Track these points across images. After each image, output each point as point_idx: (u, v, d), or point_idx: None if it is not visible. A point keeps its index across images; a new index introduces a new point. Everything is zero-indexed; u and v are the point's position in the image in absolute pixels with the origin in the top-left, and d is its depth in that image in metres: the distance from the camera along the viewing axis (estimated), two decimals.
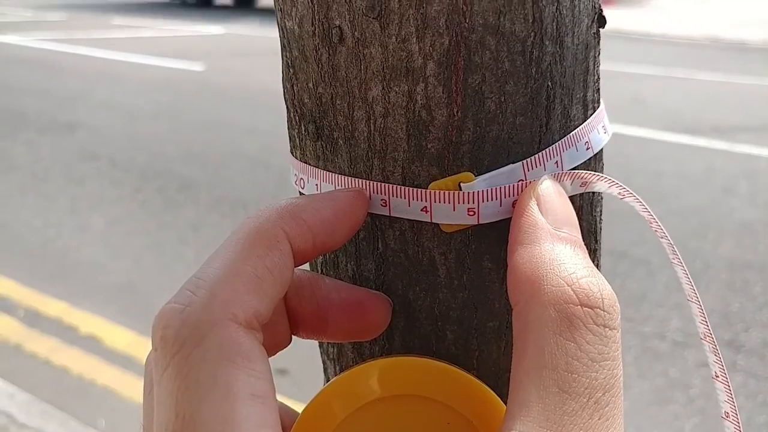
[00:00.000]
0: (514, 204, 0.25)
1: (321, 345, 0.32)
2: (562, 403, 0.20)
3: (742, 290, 2.39)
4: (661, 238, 0.25)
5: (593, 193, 0.29)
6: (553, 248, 0.22)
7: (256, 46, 7.12)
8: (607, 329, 0.21)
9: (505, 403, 0.24)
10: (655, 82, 5.69)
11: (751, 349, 2.08)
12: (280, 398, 0.28)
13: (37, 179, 3.47)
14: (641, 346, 2.08)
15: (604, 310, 0.21)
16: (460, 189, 0.25)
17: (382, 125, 0.25)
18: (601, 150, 0.29)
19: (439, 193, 0.25)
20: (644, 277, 2.46)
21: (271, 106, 4.51)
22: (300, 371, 1.88)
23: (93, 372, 2.04)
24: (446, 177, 0.25)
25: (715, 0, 11.73)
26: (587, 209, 0.29)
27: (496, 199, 0.25)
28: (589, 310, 0.21)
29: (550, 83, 0.25)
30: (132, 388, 1.98)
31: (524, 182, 0.25)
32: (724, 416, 0.24)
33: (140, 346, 2.12)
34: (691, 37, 8.44)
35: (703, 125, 4.38)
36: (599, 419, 0.20)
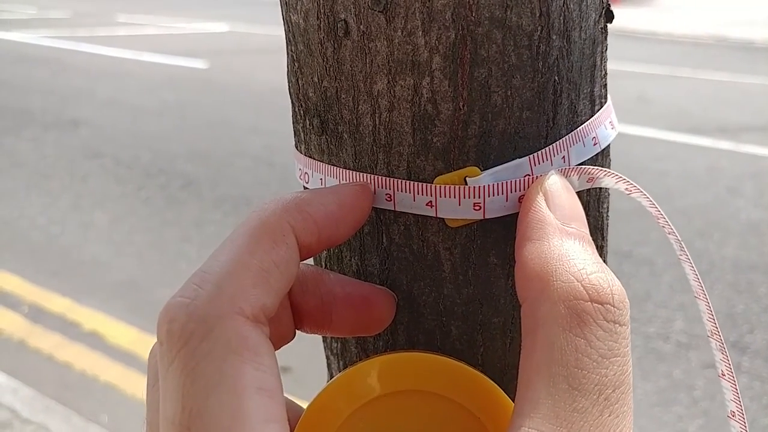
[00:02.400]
0: (520, 199, 0.25)
1: (325, 340, 0.32)
2: (572, 400, 0.20)
3: (748, 291, 2.38)
4: (669, 234, 0.25)
5: (600, 188, 0.29)
6: (561, 244, 0.22)
7: (260, 43, 7.12)
8: (617, 325, 0.21)
9: (513, 400, 0.24)
10: (660, 81, 5.68)
11: (757, 351, 2.07)
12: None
13: (41, 176, 3.48)
14: (645, 346, 2.08)
15: (614, 306, 0.21)
16: (466, 183, 0.25)
17: (387, 119, 0.25)
18: (609, 146, 0.29)
19: (445, 187, 0.25)
20: (648, 277, 2.45)
21: (274, 105, 4.52)
22: (303, 369, 1.88)
23: (96, 368, 2.05)
24: (452, 171, 0.25)
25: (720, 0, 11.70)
26: (594, 205, 0.28)
27: (502, 193, 0.25)
28: (599, 306, 0.21)
29: (557, 78, 0.25)
30: (135, 385, 1.98)
31: (531, 177, 0.25)
32: (730, 415, 0.23)
33: (143, 343, 2.12)
34: (697, 36, 8.42)
35: (709, 125, 4.37)
36: (609, 416, 0.20)
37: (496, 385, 0.24)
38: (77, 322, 2.25)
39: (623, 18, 9.49)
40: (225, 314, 0.20)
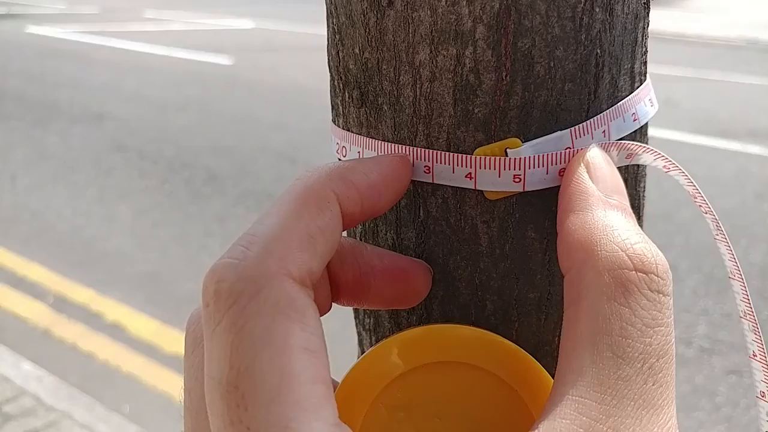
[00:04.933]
0: (560, 172, 0.25)
1: (357, 317, 0.32)
2: (616, 368, 0.20)
3: None
4: (706, 213, 0.25)
5: (638, 167, 0.28)
6: (605, 215, 0.22)
7: (285, 40, 7.16)
8: (660, 295, 0.21)
9: (550, 374, 0.24)
10: (687, 84, 5.60)
11: None
12: None
13: (67, 169, 3.53)
14: None
15: (658, 276, 0.21)
16: (506, 155, 0.24)
17: (428, 90, 0.25)
18: (647, 123, 0.29)
19: (485, 159, 0.25)
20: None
21: (298, 101, 4.54)
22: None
23: (118, 359, 2.07)
24: (492, 143, 0.25)
25: (753, 1, 11.49)
26: (631, 183, 0.28)
27: (543, 166, 0.24)
28: (644, 275, 0.21)
29: (599, 51, 0.25)
30: (156, 376, 2.00)
31: (572, 150, 0.25)
32: (759, 396, 0.23)
33: (164, 335, 2.14)
34: (728, 39, 8.28)
35: (738, 129, 4.30)
36: (653, 385, 0.20)
37: (533, 358, 0.24)
38: (100, 313, 2.28)
39: (652, 19, 9.36)
40: (273, 275, 0.20)
